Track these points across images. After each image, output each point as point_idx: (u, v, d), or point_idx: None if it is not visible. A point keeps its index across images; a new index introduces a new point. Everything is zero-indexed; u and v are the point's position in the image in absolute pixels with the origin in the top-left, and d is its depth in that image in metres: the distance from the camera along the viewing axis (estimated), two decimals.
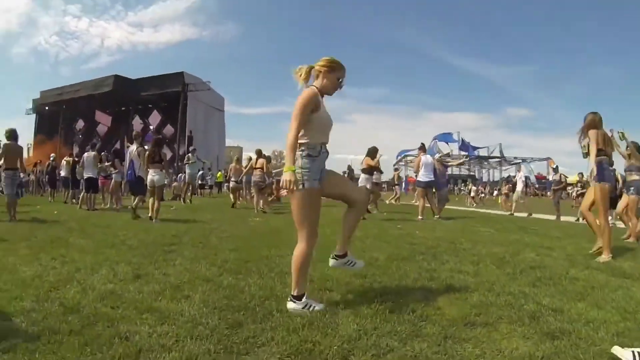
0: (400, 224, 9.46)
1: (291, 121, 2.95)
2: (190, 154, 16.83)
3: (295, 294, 3.07)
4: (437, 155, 11.49)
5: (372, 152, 11.50)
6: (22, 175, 11.30)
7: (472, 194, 25.06)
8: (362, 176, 11.51)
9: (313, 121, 3.01)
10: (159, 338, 2.48)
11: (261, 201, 12.55)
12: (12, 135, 9.05)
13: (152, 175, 9.30)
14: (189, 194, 16.93)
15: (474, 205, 22.43)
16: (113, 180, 12.78)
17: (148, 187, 9.49)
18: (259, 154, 12.95)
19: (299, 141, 2.99)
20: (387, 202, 19.97)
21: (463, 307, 3.11)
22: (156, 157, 9.39)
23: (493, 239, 7.11)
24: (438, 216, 11.39)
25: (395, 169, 23.81)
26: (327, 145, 3.16)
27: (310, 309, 2.98)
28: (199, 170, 20.85)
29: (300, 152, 2.98)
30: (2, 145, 9.20)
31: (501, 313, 2.99)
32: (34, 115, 50.96)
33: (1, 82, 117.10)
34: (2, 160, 9.05)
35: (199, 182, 22.25)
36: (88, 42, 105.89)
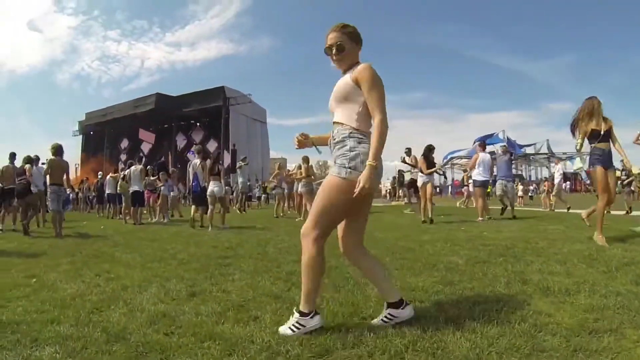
0: (463, 227, 8.66)
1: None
2: (241, 162, 16.45)
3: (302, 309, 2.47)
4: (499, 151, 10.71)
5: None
6: (68, 191, 11.18)
7: (521, 193, 23.65)
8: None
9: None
10: None
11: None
12: (57, 150, 8.91)
13: (212, 187, 10.11)
14: (242, 203, 16.83)
15: (523, 205, 21.12)
16: (161, 194, 12.53)
17: (209, 198, 10.11)
18: (306, 160, 12.42)
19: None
20: (458, 205, 18.84)
21: (575, 313, 2.69)
22: (215, 170, 10.29)
23: (567, 237, 6.36)
24: (488, 216, 10.38)
25: (464, 170, 22.94)
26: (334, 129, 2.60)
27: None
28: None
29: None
30: (47, 161, 8.99)
31: (621, 317, 2.58)
32: (80, 136, 52.97)
33: (48, 106, 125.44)
34: (48, 176, 8.87)
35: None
36: (129, 65, 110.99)
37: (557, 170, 16.12)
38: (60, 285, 3.84)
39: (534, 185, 37.94)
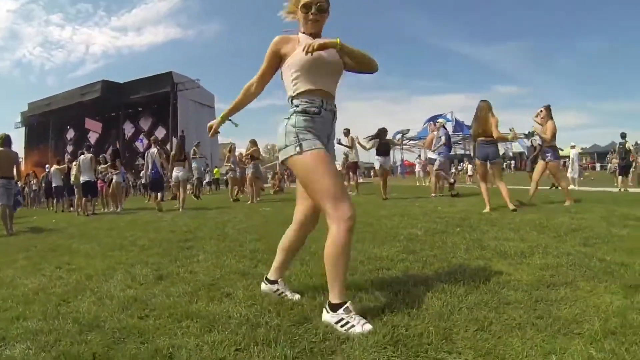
0: (417, 202, 9.04)
1: None
2: (195, 148, 16.07)
3: (332, 301, 2.18)
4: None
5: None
6: (19, 184, 10.58)
7: (470, 172, 24.48)
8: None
9: (289, 66, 2.39)
10: (213, 350, 1.89)
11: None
12: (4, 141, 8.08)
13: (176, 172, 10.98)
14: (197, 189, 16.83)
15: (472, 182, 21.78)
16: (115, 182, 12.15)
17: (172, 183, 11.25)
18: (254, 143, 12.43)
19: (292, 94, 2.38)
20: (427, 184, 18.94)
21: (532, 271, 2.94)
22: (181, 156, 11.14)
23: (523, 209, 6.87)
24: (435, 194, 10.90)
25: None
26: (333, 101, 2.44)
27: (346, 327, 2.05)
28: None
29: (294, 108, 2.33)
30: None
31: (573, 272, 2.86)
32: (23, 128, 49.96)
33: None
34: None
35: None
36: (73, 50, 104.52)
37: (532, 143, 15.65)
38: (20, 281, 3.66)
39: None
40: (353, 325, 2.04)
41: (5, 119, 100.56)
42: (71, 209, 14.15)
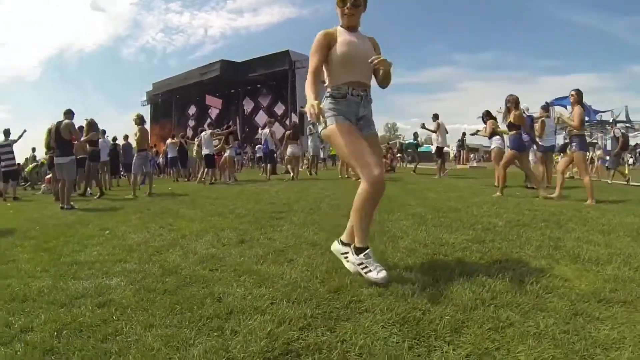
0: (519, 191, 8.50)
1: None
2: (311, 126, 16.92)
3: (356, 245, 2.68)
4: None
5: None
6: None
7: (596, 162, 20.74)
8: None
9: (330, 60, 2.81)
10: (253, 300, 2.31)
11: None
12: (141, 119, 10.12)
13: (291, 149, 13.11)
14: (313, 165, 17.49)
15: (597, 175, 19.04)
16: (227, 155, 13.33)
17: (287, 158, 13.46)
18: None
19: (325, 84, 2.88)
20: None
21: (595, 281, 2.63)
22: (296, 135, 13.36)
23: (626, 209, 5.95)
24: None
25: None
26: (364, 88, 2.86)
27: (365, 270, 2.56)
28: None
29: (326, 94, 2.83)
30: (139, 130, 10.05)
31: None
32: (149, 105, 55.83)
33: (117, 80, 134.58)
34: (136, 143, 10.29)
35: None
36: (192, 34, 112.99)
37: (614, 134, 13.74)
38: (129, 235, 4.50)
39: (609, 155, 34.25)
40: (370, 270, 2.54)
41: (133, 98, 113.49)
42: (186, 178, 15.91)
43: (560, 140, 13.22)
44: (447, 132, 13.61)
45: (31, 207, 9.04)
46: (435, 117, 13.43)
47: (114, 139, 14.89)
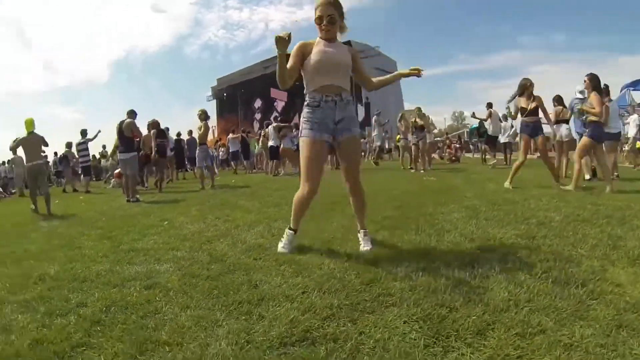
0: (585, 183, 7.84)
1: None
2: (376, 116, 17.06)
3: (290, 226, 3.39)
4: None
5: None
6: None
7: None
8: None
9: (306, 68, 3.18)
10: (287, 288, 2.43)
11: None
12: (205, 115, 10.65)
13: None
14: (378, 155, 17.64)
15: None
16: (283, 147, 13.67)
17: None
18: (420, 113, 12.60)
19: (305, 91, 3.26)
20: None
21: None
22: None
23: None
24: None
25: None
26: (338, 92, 3.20)
27: (282, 244, 3.33)
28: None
29: (305, 103, 3.23)
30: (203, 124, 10.64)
31: None
32: (214, 100, 57.67)
33: (181, 77, 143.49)
34: (198, 138, 10.81)
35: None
36: (253, 29, 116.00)
37: (633, 120, 12.56)
38: (186, 225, 4.82)
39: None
40: (281, 242, 3.37)
41: (199, 94, 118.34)
42: (249, 171, 16.81)
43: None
44: (501, 121, 13.29)
45: (101, 200, 9.91)
46: (489, 105, 13.34)
47: (178, 134, 15.76)
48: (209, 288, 2.48)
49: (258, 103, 52.12)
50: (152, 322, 2.09)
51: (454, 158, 17.50)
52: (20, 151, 8.29)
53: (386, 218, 4.54)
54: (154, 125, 11.33)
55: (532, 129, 7.01)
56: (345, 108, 3.21)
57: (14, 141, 8.09)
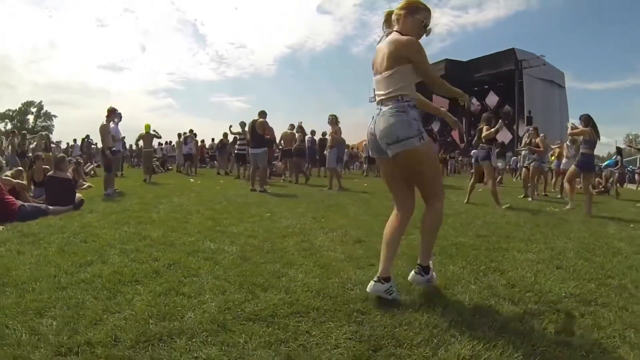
0: None
1: (425, 65, 2.91)
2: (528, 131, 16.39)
3: (424, 264, 2.92)
4: None
5: None
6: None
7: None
8: None
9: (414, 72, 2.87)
10: (303, 289, 2.81)
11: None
12: (337, 119, 11.50)
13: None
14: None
15: None
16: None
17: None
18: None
19: (403, 92, 2.77)
20: None
21: None
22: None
23: None
24: None
25: None
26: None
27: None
28: None
29: (408, 102, 2.76)
30: (338, 129, 11.61)
31: None
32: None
33: (347, 76, 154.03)
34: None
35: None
36: None
37: None
38: (282, 220, 5.53)
39: None
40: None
41: (364, 94, 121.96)
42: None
43: None
44: None
45: (236, 186, 11.50)
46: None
47: (312, 132, 16.81)
48: (241, 271, 3.16)
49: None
50: (194, 279, 2.88)
51: (602, 189, 14.93)
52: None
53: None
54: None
55: None
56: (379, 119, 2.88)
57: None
